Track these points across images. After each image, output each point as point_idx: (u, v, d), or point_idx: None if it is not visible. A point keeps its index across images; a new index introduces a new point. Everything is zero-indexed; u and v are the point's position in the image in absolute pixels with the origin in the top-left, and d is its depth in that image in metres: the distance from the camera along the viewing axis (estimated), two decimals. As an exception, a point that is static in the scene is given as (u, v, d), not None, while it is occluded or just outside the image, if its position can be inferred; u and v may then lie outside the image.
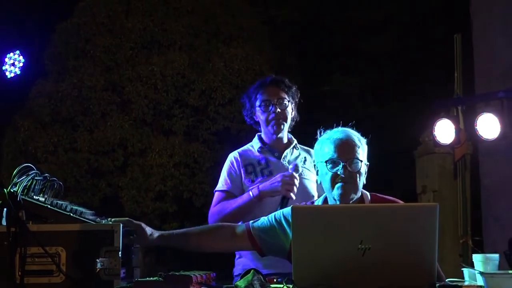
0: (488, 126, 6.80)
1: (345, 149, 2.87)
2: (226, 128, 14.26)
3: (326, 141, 2.91)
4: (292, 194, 3.29)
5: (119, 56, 14.32)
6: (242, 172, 3.54)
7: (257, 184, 3.39)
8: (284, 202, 3.28)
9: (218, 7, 15.25)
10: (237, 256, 3.57)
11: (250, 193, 3.37)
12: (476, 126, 6.90)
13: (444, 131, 7.45)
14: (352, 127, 2.98)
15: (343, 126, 2.98)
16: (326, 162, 2.87)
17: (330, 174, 2.87)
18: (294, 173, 3.33)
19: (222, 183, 3.54)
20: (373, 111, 16.90)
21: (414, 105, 13.35)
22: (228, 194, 3.50)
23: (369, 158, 2.97)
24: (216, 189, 3.55)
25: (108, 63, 14.30)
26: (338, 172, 2.85)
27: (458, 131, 7.36)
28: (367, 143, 2.96)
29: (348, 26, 17.99)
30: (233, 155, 3.62)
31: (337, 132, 2.93)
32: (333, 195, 2.86)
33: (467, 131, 7.45)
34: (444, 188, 9.83)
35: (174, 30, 14.62)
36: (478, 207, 9.21)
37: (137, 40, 14.50)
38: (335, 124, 3.01)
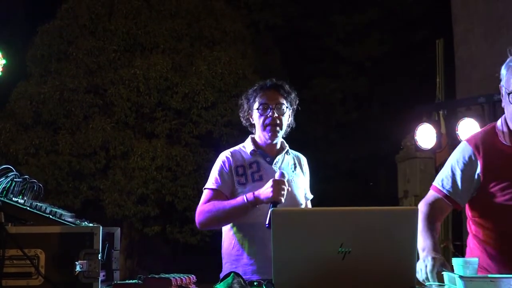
0: (469, 131, 6.83)
1: None
2: (208, 132, 14.25)
3: None
4: (282, 199, 3.29)
5: (102, 59, 14.28)
6: (233, 172, 3.52)
7: (252, 192, 3.37)
8: (275, 206, 3.27)
9: (202, 10, 15.26)
10: (224, 261, 3.55)
11: (245, 197, 3.35)
12: (457, 131, 6.94)
13: (426, 135, 7.49)
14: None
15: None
16: None
17: None
18: (283, 179, 3.34)
19: (212, 181, 3.49)
20: (354, 115, 16.97)
21: (396, 109, 13.43)
22: (217, 193, 3.46)
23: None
24: (206, 187, 3.50)
25: (90, 66, 14.25)
26: None
27: (439, 135, 7.40)
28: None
29: (331, 31, 18.09)
30: (224, 155, 3.59)
31: None
32: None
33: (448, 136, 7.50)
34: (426, 193, 9.85)
35: (157, 33, 14.61)
36: (459, 212, 9.26)
37: (120, 43, 14.47)
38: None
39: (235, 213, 3.34)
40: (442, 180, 3.19)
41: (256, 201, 3.31)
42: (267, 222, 3.15)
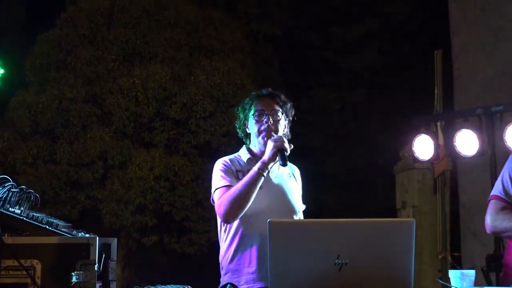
0: (466, 142, 6.83)
1: None
2: (207, 142, 14.23)
3: None
4: (286, 146, 3.36)
5: (101, 68, 14.28)
6: (235, 175, 3.51)
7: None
8: (283, 156, 3.36)
9: (201, 20, 15.28)
10: (223, 272, 3.53)
11: (255, 168, 3.36)
12: (454, 142, 6.94)
13: (423, 147, 7.48)
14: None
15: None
16: None
17: None
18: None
19: (219, 180, 3.45)
20: (352, 126, 16.96)
21: (393, 120, 13.43)
22: (230, 188, 3.42)
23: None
24: (217, 187, 3.45)
25: (89, 75, 14.25)
26: None
27: (437, 147, 7.40)
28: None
29: (329, 42, 18.11)
30: (223, 159, 3.59)
31: None
32: None
33: (446, 147, 7.49)
34: (424, 204, 9.89)
35: (156, 42, 14.63)
36: (457, 223, 9.27)
37: (118, 52, 14.48)
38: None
39: (251, 187, 3.31)
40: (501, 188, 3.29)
41: (264, 164, 3.34)
42: (281, 162, 3.32)
